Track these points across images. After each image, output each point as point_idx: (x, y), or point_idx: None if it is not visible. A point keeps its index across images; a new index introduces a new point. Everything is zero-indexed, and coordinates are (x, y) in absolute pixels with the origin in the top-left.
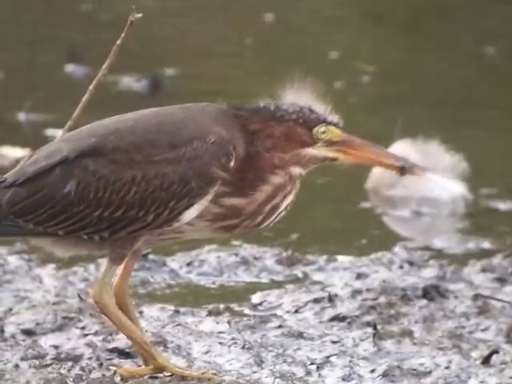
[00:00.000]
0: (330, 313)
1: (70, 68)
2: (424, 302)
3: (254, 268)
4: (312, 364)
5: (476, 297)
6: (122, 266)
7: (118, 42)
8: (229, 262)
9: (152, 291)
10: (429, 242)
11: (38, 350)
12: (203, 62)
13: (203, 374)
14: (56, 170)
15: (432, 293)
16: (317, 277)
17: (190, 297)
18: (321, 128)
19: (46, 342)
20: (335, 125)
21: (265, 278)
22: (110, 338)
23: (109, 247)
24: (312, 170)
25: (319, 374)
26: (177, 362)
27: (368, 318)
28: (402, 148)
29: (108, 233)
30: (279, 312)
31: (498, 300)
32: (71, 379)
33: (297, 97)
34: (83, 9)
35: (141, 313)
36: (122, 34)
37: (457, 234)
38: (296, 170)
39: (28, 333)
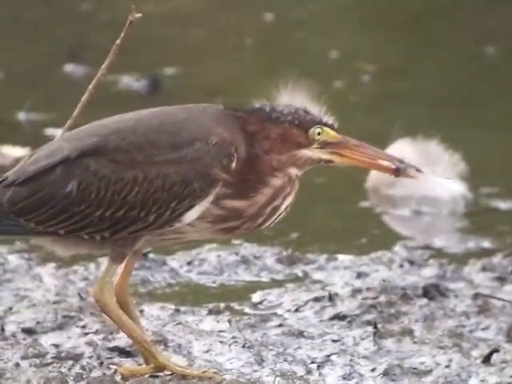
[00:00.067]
0: (330, 312)
1: (69, 67)
2: (424, 300)
3: (255, 267)
4: (312, 363)
5: (476, 296)
6: (122, 265)
7: (118, 41)
8: (229, 261)
9: (152, 290)
10: (429, 241)
11: (39, 348)
12: (203, 61)
13: (204, 372)
14: (57, 169)
15: (432, 292)
16: (317, 276)
17: (190, 296)
18: (316, 129)
19: (47, 340)
20: (330, 126)
21: (265, 277)
22: (110, 336)
23: (109, 247)
24: (311, 169)
25: (320, 373)
26: (177, 361)
27: (368, 316)
28: (401, 147)
29: (109, 233)
30: (279, 311)
31: (499, 299)
32: (72, 378)
33: (292, 98)
34: (83, 8)
35: (141, 312)
36: (122, 34)
37: (457, 233)
38: (293, 171)
39: (28, 332)
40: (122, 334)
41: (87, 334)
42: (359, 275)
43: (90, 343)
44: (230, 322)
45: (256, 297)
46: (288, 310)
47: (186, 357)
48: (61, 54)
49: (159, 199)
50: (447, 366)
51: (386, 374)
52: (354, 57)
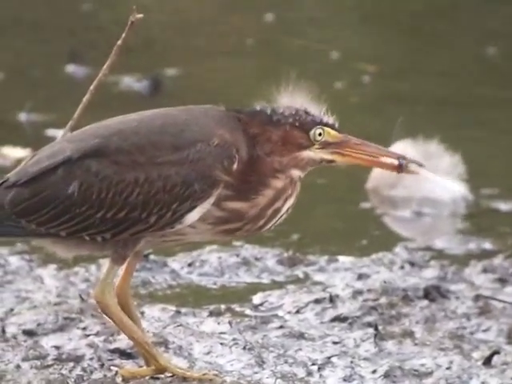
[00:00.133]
0: (331, 313)
1: (70, 68)
2: (425, 302)
3: (255, 268)
4: (313, 364)
5: (477, 297)
6: (123, 267)
7: (119, 42)
8: (230, 263)
9: (153, 292)
10: (430, 242)
11: (40, 350)
12: (204, 62)
13: (204, 374)
14: (59, 170)
15: (433, 293)
16: (318, 277)
17: (191, 297)
18: (317, 130)
19: (48, 342)
20: (331, 126)
21: (266, 279)
22: (111, 338)
23: (110, 248)
24: (312, 170)
25: (320, 375)
26: (178, 363)
27: (369, 318)
28: (402, 148)
29: (110, 234)
30: (280, 312)
31: (499, 301)
32: (72, 380)
33: (292, 99)
34: (84, 9)
35: (142, 313)
36: (123, 35)
37: (458, 234)
38: (295, 173)
39: (29, 333)
40: (122, 336)
41: (88, 335)
42: (360, 277)
43: (90, 345)
44: (230, 323)
45: (257, 298)
46: (289, 312)
47: (187, 359)
48: (62, 54)
49: (160, 200)
50: (448, 368)
51: (386, 375)
52: (354, 57)
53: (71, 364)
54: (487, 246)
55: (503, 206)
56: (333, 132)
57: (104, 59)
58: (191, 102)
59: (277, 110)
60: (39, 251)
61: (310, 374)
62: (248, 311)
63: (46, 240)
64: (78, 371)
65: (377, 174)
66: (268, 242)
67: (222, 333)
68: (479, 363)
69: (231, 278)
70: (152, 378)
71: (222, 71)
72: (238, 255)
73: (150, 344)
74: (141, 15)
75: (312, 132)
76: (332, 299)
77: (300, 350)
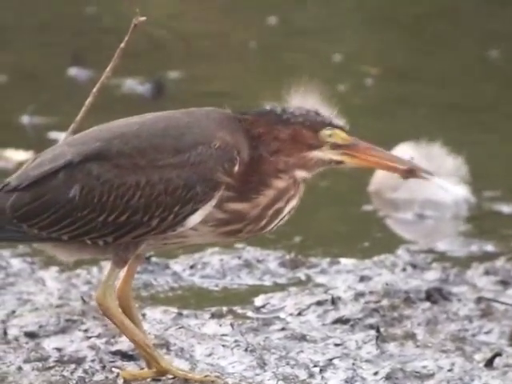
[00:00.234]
0: (333, 315)
1: (73, 71)
2: (427, 304)
3: (257, 271)
4: (315, 367)
5: (479, 300)
6: (125, 269)
7: (122, 45)
8: (232, 265)
9: (155, 294)
10: (432, 244)
11: (41, 352)
12: (207, 65)
13: (206, 376)
14: (60, 174)
15: (435, 295)
16: (320, 279)
17: (192, 299)
18: (327, 131)
19: (49, 344)
20: (341, 128)
21: (268, 281)
22: (113, 340)
23: (112, 251)
24: (315, 173)
25: (322, 377)
26: (180, 365)
27: (371, 320)
28: (405, 150)
29: (112, 238)
30: (282, 315)
31: (501, 303)
32: (74, 382)
33: (303, 100)
34: (87, 12)
35: (144, 315)
36: (126, 38)
37: (460, 236)
38: (301, 174)
39: (31, 335)
40: (124, 338)
41: (90, 337)
42: (362, 279)
43: (92, 347)
44: (232, 325)
45: (259, 300)
46: (291, 314)
47: (189, 360)
48: (65, 57)
49: (162, 203)
50: (450, 370)
51: (388, 377)
52: (357, 60)
53: (73, 366)
54: (489, 248)
55: (505, 209)
56: (343, 134)
57: (107, 62)
58: (194, 105)
59: (287, 109)
60: (41, 253)
61: (311, 375)
62: (250, 313)
63: (47, 244)
64: (79, 373)
65: (379, 176)
66: (270, 244)
67: (223, 335)
68: (481, 365)
69: (233, 280)
70: (153, 380)
71: (225, 74)
72: (239, 257)
73: (151, 346)
74: (144, 18)
75: (322, 133)
76: (334, 301)
77: (302, 351)
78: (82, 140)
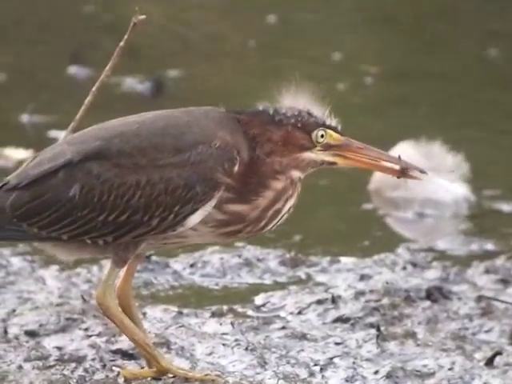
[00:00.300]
0: (333, 314)
1: (73, 70)
2: (427, 303)
3: (258, 269)
4: (315, 365)
5: (479, 298)
6: (125, 268)
7: (121, 43)
8: (232, 264)
9: (155, 292)
10: (432, 243)
11: (42, 351)
12: (206, 63)
13: (206, 375)
14: (60, 173)
15: (435, 294)
16: (320, 278)
17: (193, 298)
18: (319, 132)
19: (50, 343)
20: (334, 128)
21: (268, 280)
22: (113, 339)
23: (112, 251)
24: (314, 171)
25: (322, 376)
26: (180, 364)
27: (371, 319)
28: (404, 149)
29: (112, 237)
30: (282, 313)
31: (502, 301)
32: (74, 381)
33: (295, 100)
34: (86, 10)
35: (144, 314)
36: (125, 36)
37: (460, 235)
38: (295, 174)
39: (31, 334)
40: (124, 337)
41: (90, 336)
42: (362, 277)
43: (92, 346)
44: (232, 324)
45: (259, 299)
46: (291, 313)
47: (189, 359)
48: (64, 55)
49: (162, 203)
50: (450, 369)
51: (389, 376)
52: (356, 59)
53: (73, 365)
54: (489, 246)
55: (505, 207)
56: (335, 134)
57: (106, 60)
58: (193, 103)
59: (279, 110)
60: (41, 252)
61: (312, 374)
62: (250, 312)
63: (47, 243)
64: (79, 372)
65: (379, 175)
66: (270, 243)
67: (224, 333)
68: (481, 364)
69: (233, 279)
70: (154, 379)
71: (224, 73)
72: (240, 256)
73: (151, 345)
74: (143, 17)
75: (314, 133)
76: (334, 300)
77: (302, 350)
78: (82, 139)
